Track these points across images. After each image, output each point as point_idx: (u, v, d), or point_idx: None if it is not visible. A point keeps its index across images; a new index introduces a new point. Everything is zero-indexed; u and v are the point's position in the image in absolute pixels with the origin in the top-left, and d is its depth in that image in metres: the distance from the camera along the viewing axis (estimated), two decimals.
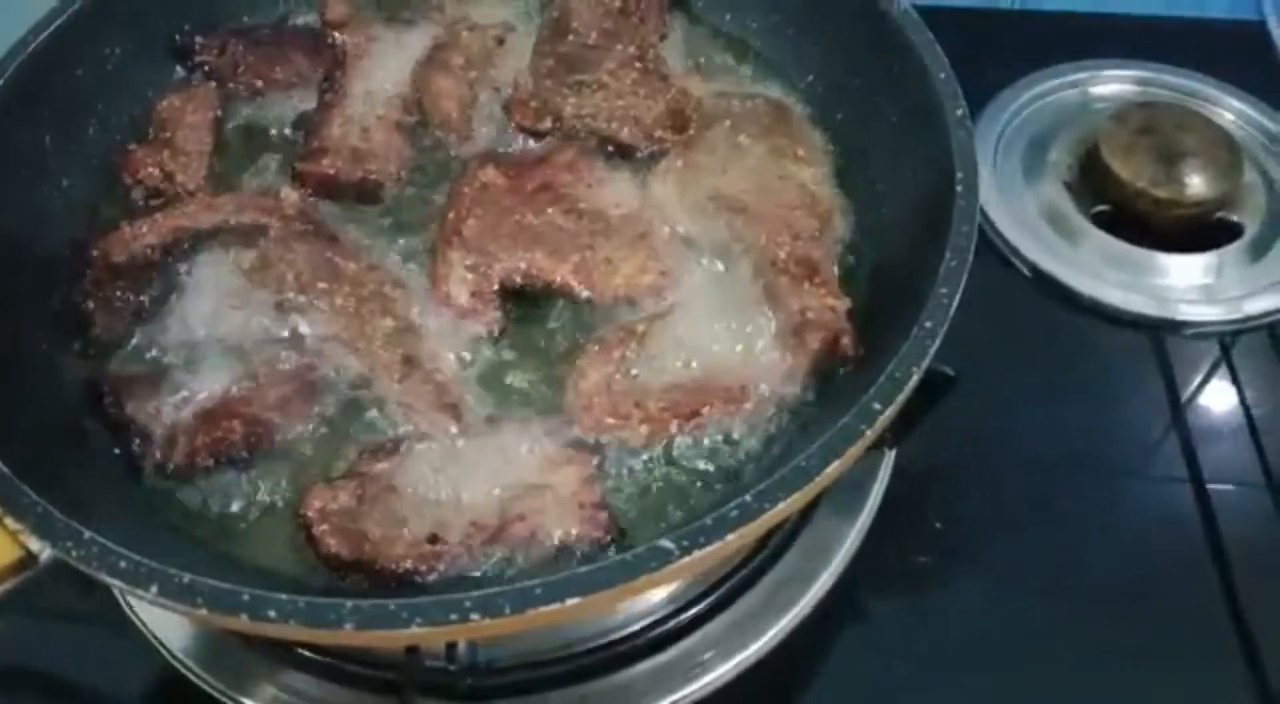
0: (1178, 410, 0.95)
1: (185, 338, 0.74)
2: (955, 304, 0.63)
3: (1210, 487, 0.89)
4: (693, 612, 0.78)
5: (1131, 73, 1.17)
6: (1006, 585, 0.85)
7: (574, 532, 0.65)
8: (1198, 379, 0.98)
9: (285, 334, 0.73)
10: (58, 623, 0.82)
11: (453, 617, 0.52)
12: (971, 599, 0.85)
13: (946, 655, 0.81)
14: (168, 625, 0.79)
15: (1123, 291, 1.01)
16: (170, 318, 0.75)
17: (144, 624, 0.79)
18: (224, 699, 0.77)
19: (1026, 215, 1.06)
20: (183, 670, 0.78)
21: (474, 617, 0.52)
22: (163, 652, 0.78)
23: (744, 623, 0.78)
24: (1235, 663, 0.80)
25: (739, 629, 0.78)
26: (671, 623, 0.78)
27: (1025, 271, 1.04)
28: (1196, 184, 1.03)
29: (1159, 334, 1.00)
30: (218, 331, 0.74)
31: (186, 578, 0.54)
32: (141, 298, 0.76)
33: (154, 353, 0.74)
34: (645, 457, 0.70)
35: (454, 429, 0.69)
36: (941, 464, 0.92)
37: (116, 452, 0.70)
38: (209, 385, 0.71)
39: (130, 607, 0.79)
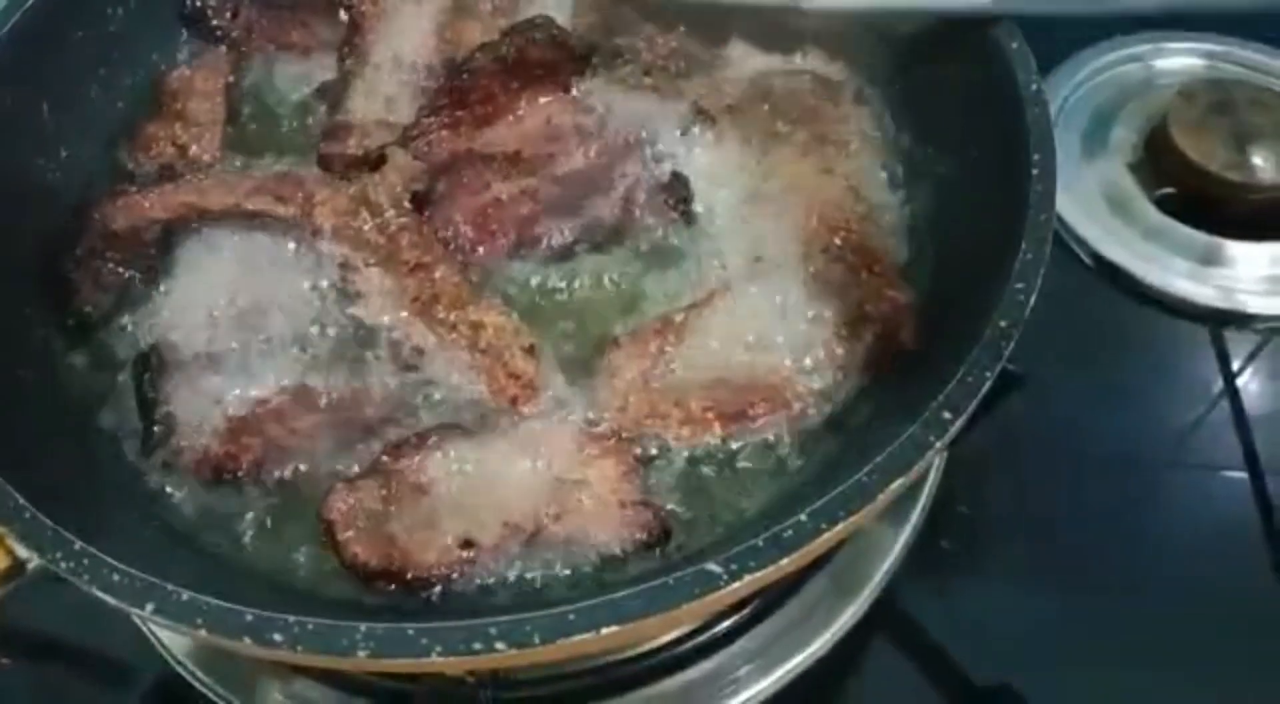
0: (1237, 405, 0.91)
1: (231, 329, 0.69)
2: (1032, 301, 0.58)
3: (1268, 479, 0.85)
4: (727, 624, 0.73)
5: (1199, 46, 1.10)
6: (1062, 583, 0.82)
7: (616, 533, 0.60)
8: (1259, 376, 0.93)
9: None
10: (56, 622, 0.78)
11: (476, 646, 0.47)
12: (1027, 601, 0.81)
13: (1003, 662, 0.77)
14: None
15: (1185, 280, 0.95)
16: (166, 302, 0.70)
17: (147, 625, 0.74)
18: None
19: (1087, 197, 1.00)
20: (185, 675, 0.73)
21: (499, 646, 0.47)
22: (165, 654, 0.74)
23: (783, 636, 0.73)
24: None
25: (777, 643, 0.73)
26: (705, 635, 0.72)
27: (1083, 256, 0.98)
28: (1270, 168, 0.96)
29: (1220, 326, 0.95)
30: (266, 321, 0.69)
31: (186, 595, 0.49)
32: (132, 273, 0.71)
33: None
34: (686, 451, 0.64)
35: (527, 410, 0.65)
36: (993, 459, 0.86)
37: (116, 448, 0.65)
38: (249, 387, 0.66)
39: None
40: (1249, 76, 1.07)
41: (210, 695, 0.73)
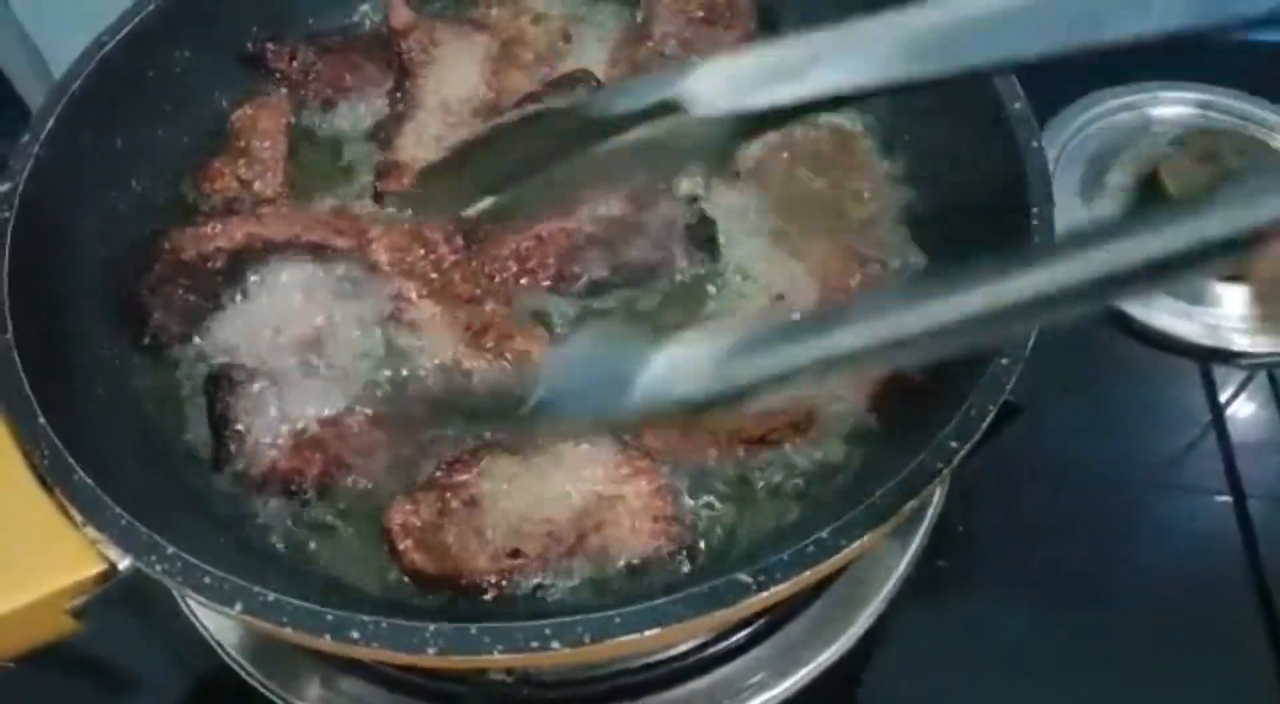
0: (1224, 440, 0.95)
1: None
2: (1032, 340, 0.63)
3: (1253, 512, 0.89)
4: (744, 633, 0.78)
5: (1192, 95, 1.16)
6: (1054, 604, 0.85)
7: (648, 544, 0.66)
8: (1245, 409, 0.98)
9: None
10: (112, 617, 0.83)
11: (534, 644, 0.52)
12: (1022, 619, 0.85)
13: (999, 674, 0.81)
14: (222, 622, 0.79)
15: (1175, 318, 1.01)
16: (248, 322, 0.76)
17: (198, 620, 0.79)
18: (276, 699, 0.77)
19: None
20: (235, 667, 0.78)
21: (554, 645, 0.52)
22: (216, 648, 0.78)
23: (796, 645, 0.78)
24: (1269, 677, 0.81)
25: (790, 651, 0.78)
26: (723, 644, 0.77)
27: None
28: None
29: (1208, 362, 0.99)
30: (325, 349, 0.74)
31: (271, 596, 0.54)
32: (201, 299, 0.76)
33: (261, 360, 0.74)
34: (714, 471, 0.70)
35: None
36: (989, 485, 0.91)
37: (188, 461, 0.71)
38: (312, 406, 0.71)
39: (185, 603, 0.80)
40: (1237, 126, 1.13)
41: (259, 688, 0.77)
